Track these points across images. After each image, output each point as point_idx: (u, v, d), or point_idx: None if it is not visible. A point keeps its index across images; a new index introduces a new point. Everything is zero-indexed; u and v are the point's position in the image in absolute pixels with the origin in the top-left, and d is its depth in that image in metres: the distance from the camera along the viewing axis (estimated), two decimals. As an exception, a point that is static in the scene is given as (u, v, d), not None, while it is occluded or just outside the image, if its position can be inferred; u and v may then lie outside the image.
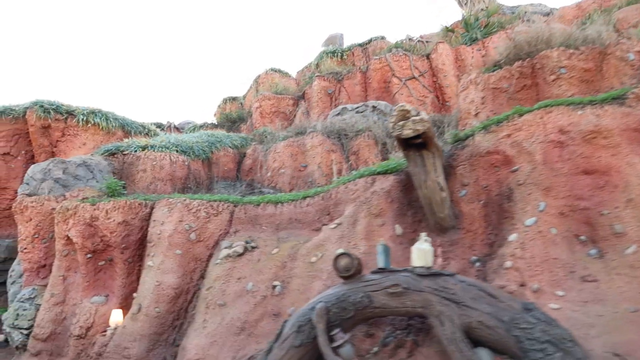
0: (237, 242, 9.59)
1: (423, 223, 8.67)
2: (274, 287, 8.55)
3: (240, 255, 9.27)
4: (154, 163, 15.16)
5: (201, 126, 24.49)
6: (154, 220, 10.58)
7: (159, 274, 9.66)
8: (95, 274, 11.35)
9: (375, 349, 6.52)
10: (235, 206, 10.82)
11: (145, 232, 11.38)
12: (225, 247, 9.53)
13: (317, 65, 22.46)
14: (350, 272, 6.60)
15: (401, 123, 7.79)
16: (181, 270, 9.81)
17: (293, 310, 7.98)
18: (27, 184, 13.47)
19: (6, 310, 15.09)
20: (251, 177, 17.37)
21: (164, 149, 15.84)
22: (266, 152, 16.80)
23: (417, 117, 7.77)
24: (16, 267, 13.96)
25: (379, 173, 9.66)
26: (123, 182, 13.08)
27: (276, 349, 6.60)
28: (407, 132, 7.77)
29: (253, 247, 9.44)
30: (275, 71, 26.78)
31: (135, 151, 15.37)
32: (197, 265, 10.00)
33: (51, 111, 16.63)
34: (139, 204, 11.51)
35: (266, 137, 18.14)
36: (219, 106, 28.35)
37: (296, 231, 10.17)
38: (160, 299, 9.43)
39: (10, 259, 16.11)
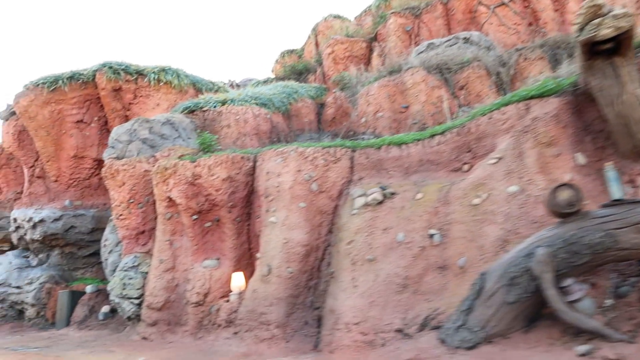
0: (372, 189, 8.32)
1: (609, 150, 7.12)
2: (431, 236, 7.28)
3: (380, 203, 8.01)
4: (237, 118, 14.05)
5: (264, 82, 23.15)
6: (267, 173, 9.43)
7: (285, 230, 8.56)
8: (202, 236, 10.43)
9: (609, 301, 5.14)
10: (353, 151, 9.52)
11: (251, 188, 10.34)
12: (360, 196, 8.28)
13: (387, 3, 20.49)
14: (575, 207, 5.19)
15: (596, 22, 6.17)
16: (308, 225, 8.67)
17: (464, 261, 6.71)
18: (113, 147, 12.59)
19: (100, 282, 14.65)
20: (335, 127, 16.05)
21: (244, 103, 14.70)
22: (353, 98, 15.37)
23: (620, 12, 6.13)
24: (110, 236, 13.31)
25: (532, 97, 8.07)
26: (216, 136, 12.00)
27: (480, 308, 5.36)
28: (606, 32, 6.16)
29: (392, 194, 8.16)
30: (335, 17, 24.94)
31: (215, 107, 14.29)
32: (323, 218, 8.84)
33: (120, 72, 15.61)
34: (242, 158, 10.41)
35: (348, 82, 16.66)
36: (276, 61, 26.94)
37: (430, 174, 8.82)
38: (291, 258, 8.36)
39: (97, 229, 15.57)
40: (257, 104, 14.96)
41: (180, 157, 10.72)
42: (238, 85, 24.90)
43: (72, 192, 16.31)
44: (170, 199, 10.46)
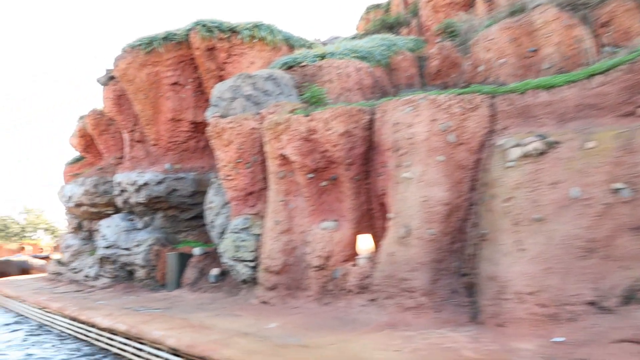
0: (528, 138, 7.11)
1: None
2: (617, 190, 6.01)
3: (542, 153, 6.80)
4: (339, 72, 13.07)
5: (352, 39, 21.92)
6: (395, 124, 8.44)
7: (423, 187, 7.59)
8: (319, 196, 9.71)
9: None
10: (493, 97, 8.27)
11: (369, 143, 9.43)
12: (514, 146, 7.11)
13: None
14: None
15: None
16: (448, 181, 7.65)
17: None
18: (216, 105, 12.12)
19: (204, 244, 14.58)
20: (441, 81, 14.67)
21: (343, 57, 13.69)
22: (464, 47, 13.87)
23: None
24: (214, 199, 13.03)
25: None
26: (325, 89, 11.15)
27: None
28: None
29: (554, 143, 6.90)
30: (427, -37, 22.90)
31: (314, 61, 13.39)
32: (464, 174, 7.76)
33: (214, 30, 15.04)
34: (359, 111, 9.47)
35: (455, 30, 15.11)
36: (361, 17, 25.50)
37: (593, 120, 7.42)
38: (432, 218, 7.41)
39: (197, 192, 15.45)
40: (357, 58, 13.92)
41: (292, 112, 9.97)
42: (324, 44, 23.85)
43: (171, 156, 16.26)
44: (283, 157, 9.79)
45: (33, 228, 54.45)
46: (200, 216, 15.75)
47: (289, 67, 13.55)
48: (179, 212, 15.79)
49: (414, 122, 8.12)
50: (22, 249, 33.70)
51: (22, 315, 13.86)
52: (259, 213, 11.13)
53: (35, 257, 26.31)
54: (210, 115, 12.01)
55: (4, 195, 80.00)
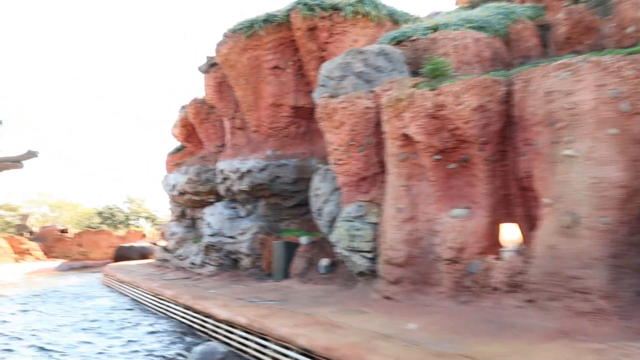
0: None
1: None
2: None
3: None
4: (456, 44, 11.76)
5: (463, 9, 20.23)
6: (548, 93, 7.12)
7: (592, 166, 6.26)
8: (446, 180, 8.63)
9: None
10: (675, 56, 6.68)
11: (506, 118, 8.18)
12: None
13: None
14: None
15: None
16: (623, 158, 6.26)
17: None
18: (324, 85, 11.38)
19: (308, 233, 14.01)
20: (572, 49, 12.83)
21: (457, 28, 12.35)
22: (605, 7, 11.98)
23: None
24: (321, 185, 12.37)
25: None
26: (449, 60, 9.99)
27: None
28: None
29: None
30: None
31: (425, 35, 12.19)
32: (643, 150, 6.31)
33: (315, 8, 14.29)
34: (493, 81, 8.24)
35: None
36: (462, -11, 23.57)
37: None
38: (605, 204, 6.09)
39: (300, 180, 14.91)
40: (472, 28, 12.51)
41: (415, 86, 8.94)
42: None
43: (272, 142, 15.87)
44: (405, 137, 8.81)
45: (136, 216, 58.03)
46: (302, 204, 15.26)
47: (397, 42, 12.48)
48: (281, 200, 15.38)
49: (574, 90, 6.77)
50: (144, 236, 35.73)
51: (136, 301, 14.18)
52: (374, 200, 10.26)
53: (154, 244, 28.03)
54: (318, 95, 11.30)
55: (110, 186, 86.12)
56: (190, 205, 19.76)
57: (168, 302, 11.16)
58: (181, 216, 20.84)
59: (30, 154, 21.94)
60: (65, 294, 17.03)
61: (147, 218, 58.36)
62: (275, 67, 15.45)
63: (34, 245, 30.44)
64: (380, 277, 8.97)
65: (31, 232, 33.55)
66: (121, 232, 39.99)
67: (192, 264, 16.70)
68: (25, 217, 35.18)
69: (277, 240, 13.49)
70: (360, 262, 9.55)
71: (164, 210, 60.37)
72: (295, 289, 10.72)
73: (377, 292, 8.91)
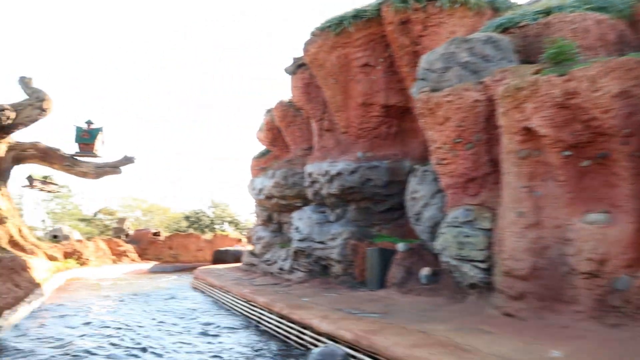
0: None
1: None
2: None
3: None
4: (574, 27, 10.40)
5: None
6: None
7: None
8: (578, 180, 7.42)
9: None
10: None
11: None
12: None
13: None
14: None
15: None
16: None
17: None
18: (424, 79, 10.48)
19: (402, 240, 13.11)
20: None
21: (574, 9, 10.94)
22: None
23: None
24: (419, 188, 11.46)
25: None
26: (576, 42, 8.73)
27: None
28: None
29: None
30: None
31: (535, 19, 10.92)
32: None
33: (408, 0, 13.42)
34: (638, 63, 6.95)
35: None
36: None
37: None
38: None
39: (392, 183, 14.04)
40: (591, 10, 11.04)
41: (537, 73, 7.81)
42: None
43: (362, 144, 15.15)
44: (527, 131, 7.70)
45: (220, 221, 59.86)
46: (394, 208, 14.40)
47: (504, 29, 11.32)
48: (372, 204, 14.60)
49: None
50: (239, 240, 36.67)
51: (226, 305, 14.03)
52: (484, 203, 9.20)
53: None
54: (417, 90, 10.42)
55: (196, 191, 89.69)
56: (276, 209, 19.55)
57: (261, 309, 10.76)
58: (267, 220, 20.71)
59: (127, 160, 22.96)
60: (158, 295, 17.40)
61: (230, 222, 59.98)
62: (365, 65, 14.74)
63: (129, 248, 32.04)
64: (498, 291, 7.89)
65: (127, 235, 35.42)
66: (208, 235, 41.19)
67: (281, 269, 16.38)
68: (122, 220, 37.26)
69: (370, 247, 12.73)
70: (471, 272, 8.53)
71: (246, 214, 62.03)
72: (395, 300, 9.88)
73: (495, 307, 7.84)
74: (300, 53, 16.80)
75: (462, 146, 9.36)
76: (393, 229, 14.45)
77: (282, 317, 9.52)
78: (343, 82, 14.96)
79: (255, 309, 11.17)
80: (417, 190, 11.52)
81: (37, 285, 14.36)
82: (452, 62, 9.95)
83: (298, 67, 16.69)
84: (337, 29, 14.50)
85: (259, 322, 10.80)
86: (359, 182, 14.14)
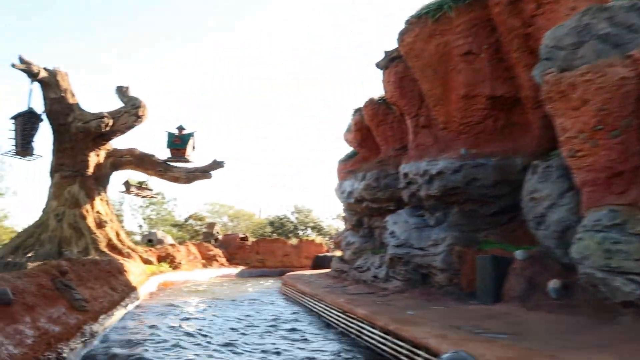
0: None
1: None
2: None
3: None
4: None
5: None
6: None
7: None
8: None
9: None
10: None
11: None
12: None
13: None
14: None
15: None
16: None
17: None
18: (549, 58, 8.95)
19: (513, 246, 11.52)
20: None
21: None
22: None
23: None
24: (542, 187, 9.88)
25: None
26: None
27: None
28: None
29: None
30: None
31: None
32: None
33: (519, -24, 11.87)
34: None
35: None
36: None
37: None
38: None
39: (500, 182, 12.49)
40: None
41: None
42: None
43: (464, 140, 13.71)
44: None
45: (304, 226, 59.94)
46: (504, 211, 12.80)
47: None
48: (478, 206, 13.10)
49: None
50: (322, 246, 36.43)
51: (319, 315, 13.19)
52: (636, 202, 7.52)
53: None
54: (541, 72, 8.92)
55: (279, 196, 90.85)
56: (367, 213, 18.54)
57: (360, 322, 9.74)
58: (357, 225, 19.74)
59: (217, 164, 23.15)
60: (248, 301, 17.01)
61: (313, 228, 59.86)
62: (468, 53, 13.32)
63: (219, 252, 32.54)
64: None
65: (216, 240, 36.11)
66: (294, 240, 41.05)
67: (375, 277, 15.29)
68: (211, 225, 38.11)
69: (481, 254, 11.28)
70: (626, 287, 6.91)
71: (329, 219, 61.67)
72: (520, 318, 8.41)
73: (666, 333, 6.22)
74: (392, 46, 15.73)
75: (605, 134, 7.75)
76: (502, 234, 12.84)
77: (387, 332, 8.43)
78: (442, 73, 13.65)
79: (353, 321, 10.17)
80: (538, 189, 9.95)
81: (133, 289, 14.43)
82: (587, 36, 8.36)
83: (391, 60, 15.60)
84: (435, 15, 13.26)
85: (358, 336, 9.78)
86: (463, 182, 12.73)
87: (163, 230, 51.95)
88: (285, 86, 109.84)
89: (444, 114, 13.98)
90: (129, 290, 13.69)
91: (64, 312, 7.90)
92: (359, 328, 9.74)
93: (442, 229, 13.11)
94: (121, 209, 55.42)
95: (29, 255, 16.51)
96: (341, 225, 62.36)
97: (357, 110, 19.86)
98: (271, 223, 59.55)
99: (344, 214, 22.73)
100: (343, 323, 10.85)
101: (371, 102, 18.32)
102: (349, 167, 23.62)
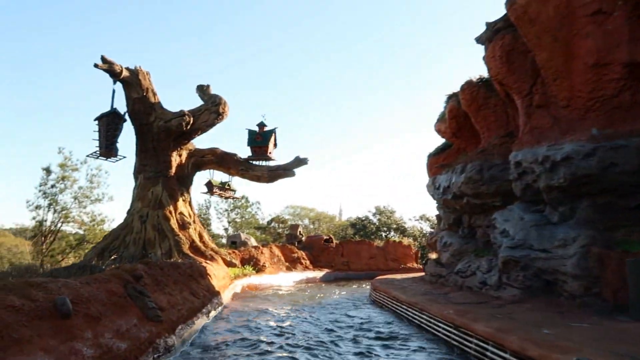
0: None
1: None
2: None
3: None
4: None
5: None
6: None
7: None
8: None
9: None
10: None
11: None
12: None
13: None
14: None
15: None
16: None
17: None
18: None
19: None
20: None
21: None
22: None
23: None
24: None
25: None
26: None
27: None
28: None
29: None
30: None
31: None
32: None
33: None
34: None
35: None
36: None
37: None
38: None
39: (649, 167, 10.06)
40: None
41: None
42: None
43: (593, 119, 11.29)
44: None
45: (386, 228, 57.96)
46: (653, 204, 10.32)
47: None
48: (615, 198, 10.68)
49: None
50: (410, 247, 34.47)
51: (420, 327, 11.41)
52: None
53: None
54: None
55: (361, 198, 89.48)
56: (467, 210, 16.41)
57: (482, 342, 7.87)
58: (455, 224, 17.65)
59: (300, 162, 21.98)
60: (336, 307, 15.60)
61: (396, 229, 57.79)
62: (597, 12, 10.96)
63: (303, 254, 31.54)
64: None
65: (300, 242, 35.20)
66: (380, 242, 39.22)
67: (483, 283, 13.20)
68: (295, 227, 37.28)
69: (630, 257, 8.94)
70: None
71: (412, 221, 59.15)
72: None
73: None
74: (493, 17, 13.62)
75: None
76: (646, 232, 10.33)
77: (522, 358, 6.53)
78: (564, 39, 11.36)
79: (470, 339, 8.31)
80: None
81: (216, 293, 13.51)
82: None
83: (495, 32, 13.46)
84: (554, -31, 11.04)
85: (481, 358, 7.91)
86: (598, 168, 10.38)
87: (247, 232, 52.40)
88: (363, 82, 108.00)
89: (566, 88, 11.65)
90: (211, 295, 12.75)
91: (135, 323, 6.87)
92: (481, 350, 7.88)
93: (571, 227, 10.81)
94: (208, 212, 56.83)
95: (114, 257, 16.30)
96: (425, 226, 59.66)
97: (452, 97, 17.80)
98: (353, 225, 58.17)
99: (437, 213, 20.65)
100: (456, 340, 9.01)
101: (469, 85, 16.20)
102: (441, 160, 21.56)
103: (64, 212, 39.65)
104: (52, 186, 38.50)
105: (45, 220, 39.33)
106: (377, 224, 58.73)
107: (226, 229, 53.73)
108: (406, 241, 36.50)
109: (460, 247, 16.48)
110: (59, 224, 39.97)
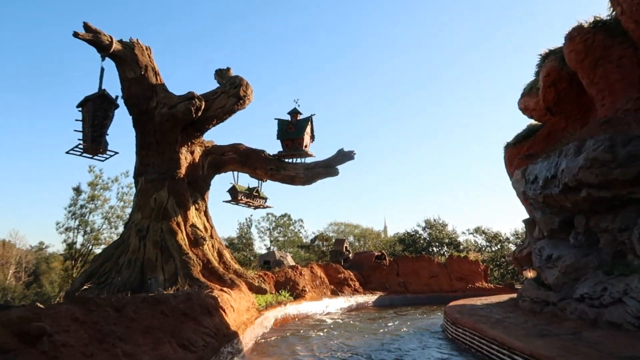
0: None
1: None
2: None
3: None
4: None
5: None
6: None
7: None
8: None
9: None
10: None
11: None
12: None
13: None
14: None
15: None
16: None
17: None
18: None
19: None
20: None
21: None
22: None
23: None
24: None
25: None
26: None
27: None
28: None
29: None
30: None
31: None
32: None
33: None
34: None
35: None
36: None
37: None
38: None
39: None
40: None
41: None
42: None
43: None
44: None
45: (438, 242, 53.02)
46: None
47: None
48: None
49: None
50: (479, 263, 29.35)
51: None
52: None
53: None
54: None
55: (409, 212, 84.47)
56: (585, 208, 11.55)
57: None
58: (561, 229, 12.79)
59: (344, 156, 17.21)
60: (401, 349, 11.07)
61: (449, 244, 52.72)
62: None
63: (350, 275, 26.89)
64: None
65: (346, 260, 30.55)
66: (442, 258, 34.04)
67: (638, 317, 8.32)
68: (340, 242, 32.60)
69: None
70: None
71: (465, 235, 53.80)
72: None
73: None
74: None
75: None
76: None
77: None
78: None
79: None
80: None
81: (230, 337, 9.26)
82: None
83: None
84: None
85: None
86: None
87: (290, 251, 48.41)
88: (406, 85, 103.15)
89: None
90: (220, 341, 8.54)
91: None
92: None
93: None
94: (250, 231, 53.35)
95: (102, 285, 12.45)
96: (480, 240, 53.89)
97: (550, 55, 13.06)
98: (401, 240, 53.56)
99: (527, 216, 15.82)
100: None
101: (580, 32, 11.49)
102: (525, 150, 16.80)
103: (93, 233, 36.81)
104: (82, 206, 35.80)
105: (75, 243, 36.57)
106: (427, 238, 54.11)
107: (269, 249, 50.19)
108: (473, 256, 31.18)
109: (577, 262, 11.61)
110: (90, 246, 37.16)
